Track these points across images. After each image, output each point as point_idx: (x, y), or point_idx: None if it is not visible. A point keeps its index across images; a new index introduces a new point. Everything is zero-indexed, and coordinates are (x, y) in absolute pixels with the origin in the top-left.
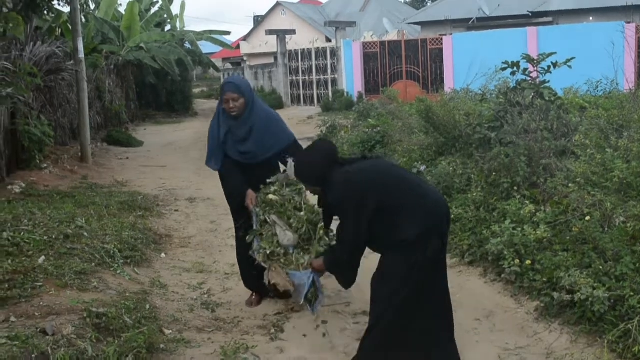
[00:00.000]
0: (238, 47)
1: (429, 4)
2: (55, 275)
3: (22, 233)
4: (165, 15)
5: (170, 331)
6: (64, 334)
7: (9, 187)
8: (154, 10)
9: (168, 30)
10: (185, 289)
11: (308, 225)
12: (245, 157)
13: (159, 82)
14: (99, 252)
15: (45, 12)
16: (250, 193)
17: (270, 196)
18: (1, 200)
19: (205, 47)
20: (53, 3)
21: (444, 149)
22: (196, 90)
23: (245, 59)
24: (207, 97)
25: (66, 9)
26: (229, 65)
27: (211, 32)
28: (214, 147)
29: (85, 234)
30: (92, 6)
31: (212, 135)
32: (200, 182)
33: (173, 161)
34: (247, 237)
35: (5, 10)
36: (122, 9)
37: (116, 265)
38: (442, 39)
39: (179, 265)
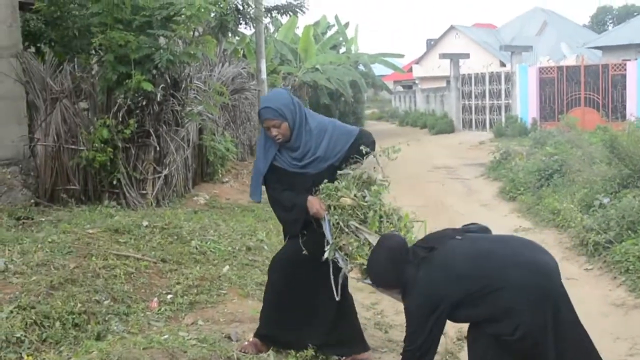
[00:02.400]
0: (410, 70)
1: (610, 28)
2: (238, 285)
3: (209, 242)
4: (341, 38)
5: None
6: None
7: (195, 198)
8: (330, 33)
9: (343, 53)
10: (359, 307)
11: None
12: (307, 167)
13: (333, 102)
14: None
15: (232, 34)
16: (313, 199)
17: (347, 200)
18: (188, 210)
19: (378, 69)
20: (239, 26)
21: (629, 181)
22: (368, 112)
23: (417, 82)
24: (378, 119)
25: (250, 32)
26: (400, 88)
27: (384, 54)
28: (257, 180)
29: (265, 247)
30: (272, 29)
31: (256, 167)
32: None
33: None
34: (326, 253)
35: (197, 34)
36: (299, 32)
37: None
38: (625, 64)
39: (352, 284)
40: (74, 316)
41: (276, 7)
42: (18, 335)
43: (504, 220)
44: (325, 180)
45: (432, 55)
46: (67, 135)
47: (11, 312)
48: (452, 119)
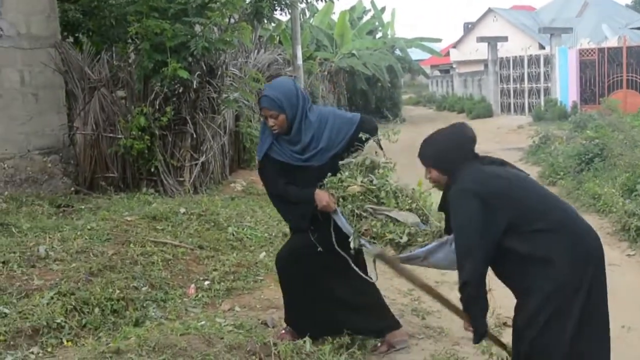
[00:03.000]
0: (447, 54)
1: None
2: (274, 271)
3: (245, 229)
4: (377, 23)
5: None
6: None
7: (232, 184)
8: (366, 18)
9: (379, 38)
10: (395, 294)
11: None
12: (310, 159)
13: (370, 88)
14: None
15: (267, 21)
16: (320, 192)
17: (354, 188)
18: (225, 197)
19: (415, 54)
20: (275, 13)
21: None
22: (405, 97)
23: (454, 66)
24: (415, 104)
25: (285, 18)
26: (437, 73)
27: (422, 39)
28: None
29: None
30: (307, 15)
31: (262, 130)
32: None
33: None
34: (351, 242)
35: (232, 20)
36: (335, 17)
37: None
38: None
39: (389, 270)
40: (113, 302)
41: None
42: (58, 321)
43: None
44: (329, 175)
45: (469, 38)
46: (105, 123)
47: (52, 298)
48: (490, 103)
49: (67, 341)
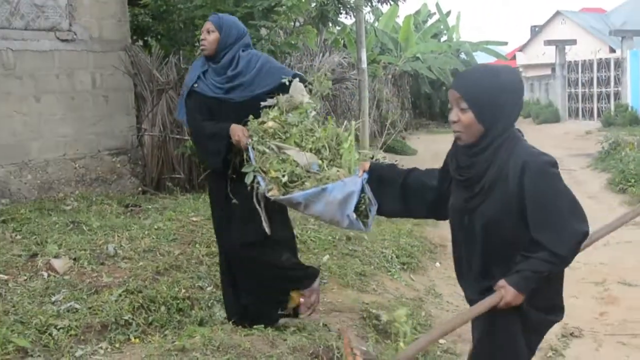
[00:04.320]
0: (513, 57)
1: None
2: (337, 274)
3: (309, 231)
4: (442, 27)
5: (445, 341)
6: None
7: None
8: (431, 21)
9: (444, 41)
10: (459, 300)
11: (329, 144)
12: (230, 91)
13: (434, 91)
14: (377, 256)
15: (332, 24)
16: (236, 126)
17: (269, 123)
18: None
19: (480, 57)
20: (340, 16)
21: None
22: None
23: (520, 70)
24: None
25: (350, 21)
26: None
27: (487, 42)
28: (182, 97)
29: (366, 237)
30: (372, 18)
31: (193, 66)
32: None
33: None
34: (246, 178)
35: (298, 24)
36: (399, 20)
37: (393, 270)
38: None
39: (452, 276)
40: (179, 301)
41: None
42: (126, 317)
43: (613, 213)
44: (251, 117)
45: (536, 42)
46: (172, 125)
47: (120, 295)
48: (557, 108)
49: (134, 337)
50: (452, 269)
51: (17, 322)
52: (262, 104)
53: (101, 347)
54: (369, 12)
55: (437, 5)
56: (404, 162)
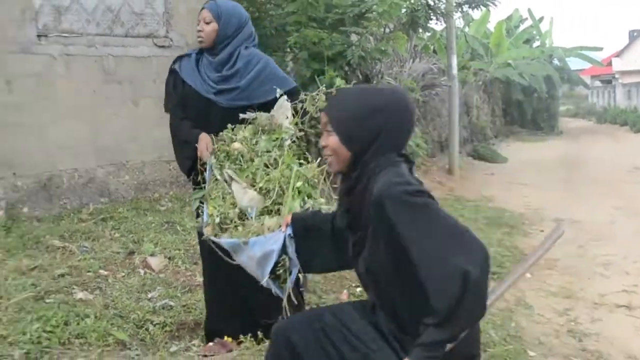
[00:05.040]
0: (609, 63)
1: None
2: None
3: None
4: (534, 32)
5: (535, 354)
6: None
7: None
8: (523, 27)
9: (537, 47)
10: (551, 312)
11: (281, 186)
12: (221, 94)
13: (526, 99)
14: None
15: (422, 30)
16: (205, 137)
17: (235, 144)
18: None
19: (574, 63)
20: (430, 22)
21: None
22: (562, 109)
23: (617, 76)
24: (573, 116)
25: (440, 27)
26: (597, 83)
27: (581, 48)
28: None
29: None
30: (462, 24)
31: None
32: (568, 204)
33: (538, 180)
34: (192, 205)
35: (388, 30)
36: (490, 26)
37: None
38: None
39: (544, 288)
40: None
41: (467, 1)
42: None
43: None
44: (229, 125)
45: (635, 47)
46: None
47: None
48: None
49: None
50: (543, 281)
51: (117, 316)
52: (241, 115)
53: (194, 344)
54: (459, 18)
55: (529, 10)
56: (495, 170)
